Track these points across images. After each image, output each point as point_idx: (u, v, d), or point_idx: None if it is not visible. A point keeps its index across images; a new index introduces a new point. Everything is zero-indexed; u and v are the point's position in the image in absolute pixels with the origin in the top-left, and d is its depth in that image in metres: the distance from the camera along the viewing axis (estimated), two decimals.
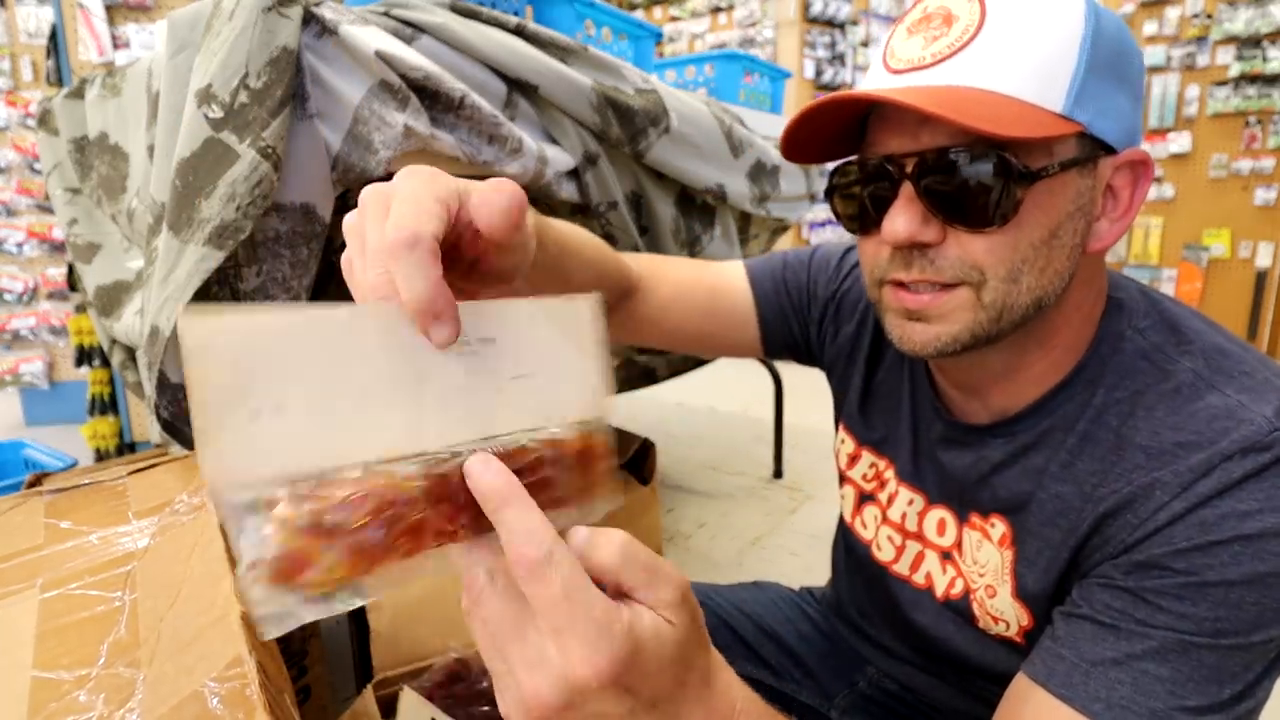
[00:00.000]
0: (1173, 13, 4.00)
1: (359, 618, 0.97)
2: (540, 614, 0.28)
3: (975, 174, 0.44)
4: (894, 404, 0.65)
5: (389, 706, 0.72)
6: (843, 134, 0.52)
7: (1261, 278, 3.88)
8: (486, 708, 0.79)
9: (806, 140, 0.51)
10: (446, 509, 0.29)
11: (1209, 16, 3.89)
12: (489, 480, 0.29)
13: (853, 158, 0.51)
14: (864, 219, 0.51)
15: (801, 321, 0.73)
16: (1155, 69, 4.10)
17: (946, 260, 0.47)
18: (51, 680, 0.41)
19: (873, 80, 0.49)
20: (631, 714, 0.29)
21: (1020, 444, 0.53)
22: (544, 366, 0.33)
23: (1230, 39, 3.84)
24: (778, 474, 2.34)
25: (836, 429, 0.72)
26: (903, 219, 0.46)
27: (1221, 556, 0.42)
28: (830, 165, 0.54)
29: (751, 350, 0.75)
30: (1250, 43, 3.78)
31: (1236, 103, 3.84)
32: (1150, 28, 4.09)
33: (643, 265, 0.71)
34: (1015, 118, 0.42)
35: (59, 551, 0.55)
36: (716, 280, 0.74)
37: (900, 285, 0.49)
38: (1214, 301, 4.04)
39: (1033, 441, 0.52)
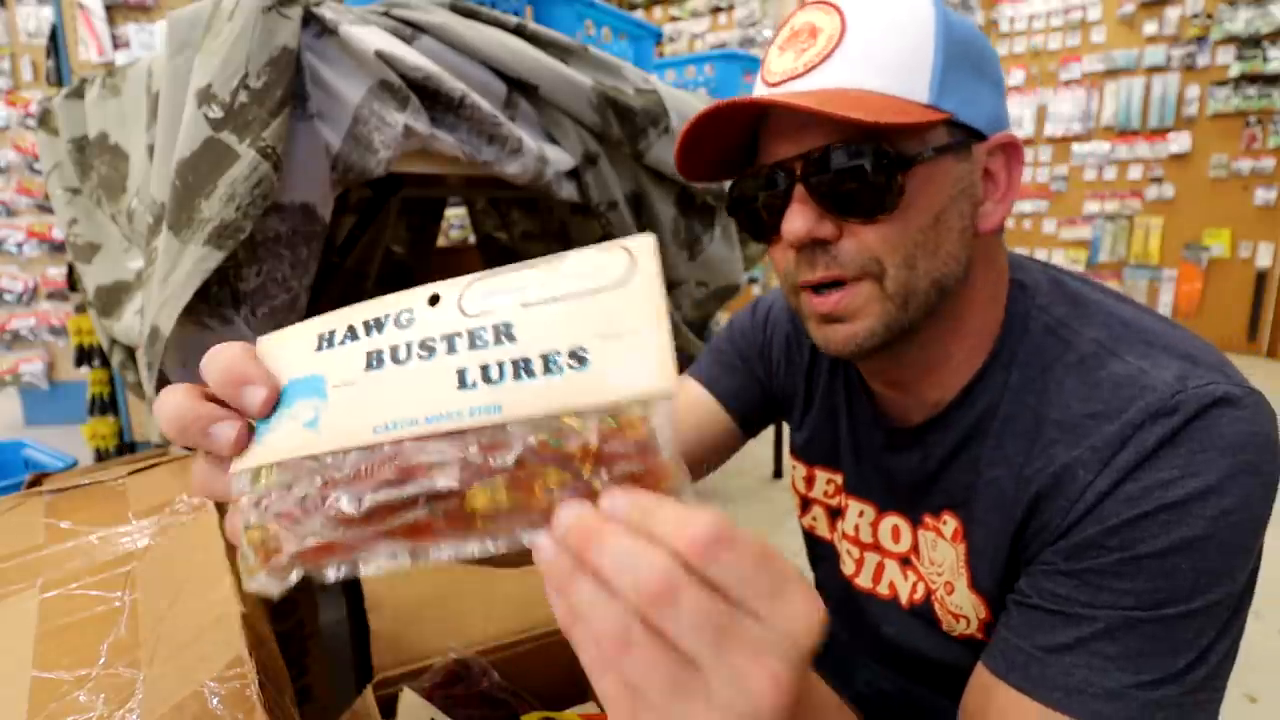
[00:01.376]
0: (1173, 13, 4.01)
1: (359, 618, 0.97)
2: (744, 588, 0.24)
3: (856, 166, 0.47)
4: (832, 423, 0.66)
5: (389, 706, 0.72)
6: (738, 150, 0.54)
7: (1261, 278, 3.88)
8: (486, 709, 0.79)
9: (706, 156, 0.53)
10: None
11: (1209, 16, 3.89)
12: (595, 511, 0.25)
13: (747, 169, 0.53)
14: (767, 226, 0.53)
15: (759, 381, 0.73)
16: (1155, 69, 4.11)
17: (846, 254, 0.49)
18: (51, 680, 0.41)
19: (755, 96, 0.52)
20: None
21: (958, 435, 0.54)
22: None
23: (1230, 39, 3.84)
24: (778, 474, 2.34)
25: (788, 462, 0.73)
26: (799, 219, 0.49)
27: (1150, 528, 0.43)
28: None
29: (738, 440, 0.74)
30: (1250, 43, 3.78)
31: (1236, 103, 3.84)
32: (1150, 28, 4.10)
33: None
34: (883, 108, 0.45)
35: (59, 551, 0.55)
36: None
37: (811, 290, 0.51)
38: (1214, 301, 4.04)
39: (969, 431, 0.54)
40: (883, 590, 0.62)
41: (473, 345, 0.27)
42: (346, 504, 0.27)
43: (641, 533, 0.24)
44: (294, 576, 0.28)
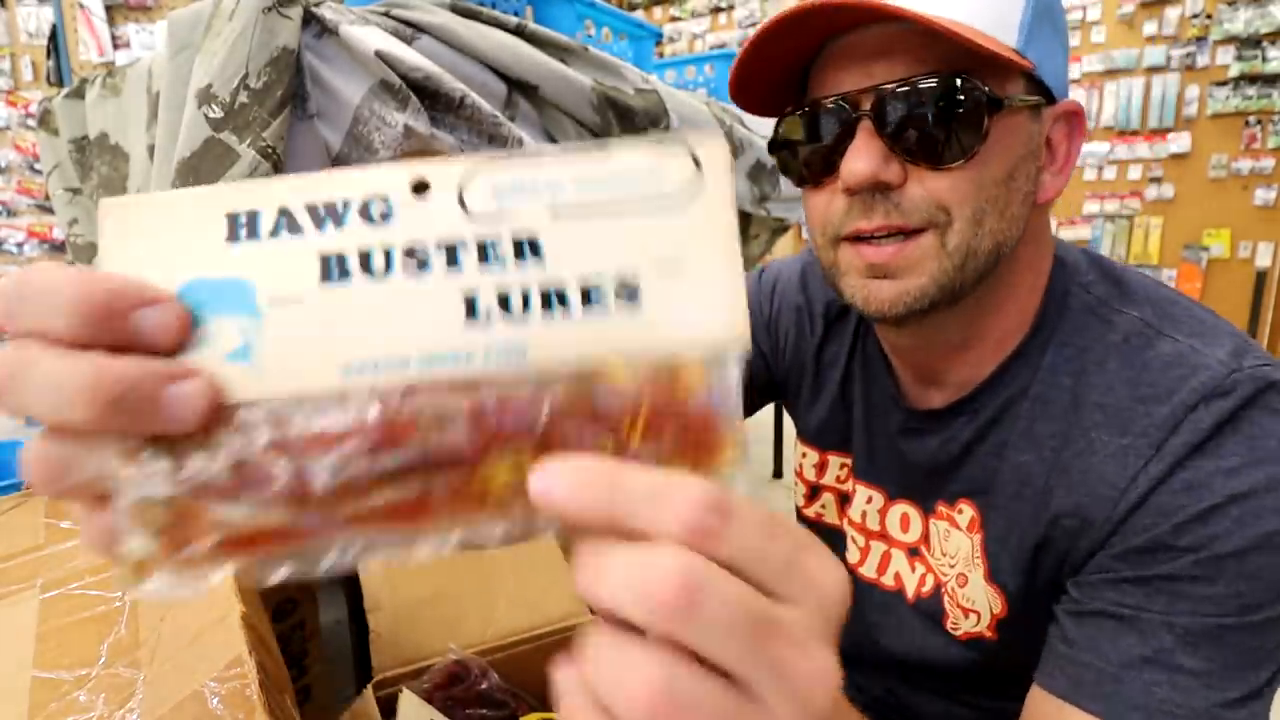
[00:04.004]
0: (1173, 13, 4.00)
1: (359, 618, 0.97)
2: (761, 565, 0.19)
3: (941, 103, 0.42)
4: (845, 404, 0.63)
5: (389, 707, 0.72)
6: (786, 82, 0.49)
7: (1261, 278, 3.88)
8: (485, 710, 0.79)
9: (755, 80, 0.48)
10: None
11: (1209, 16, 3.89)
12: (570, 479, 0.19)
13: (804, 101, 0.48)
14: (817, 167, 0.47)
15: (762, 355, 0.69)
16: (1155, 69, 4.10)
17: (911, 202, 0.44)
18: (51, 680, 0.41)
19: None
20: None
21: (985, 420, 0.51)
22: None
23: (1230, 39, 3.84)
24: (777, 474, 2.34)
25: (796, 448, 0.69)
26: (863, 159, 0.43)
27: (1223, 523, 0.40)
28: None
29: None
30: (1250, 43, 3.78)
31: (1236, 103, 3.84)
32: (1150, 28, 4.09)
33: None
34: (981, 38, 0.41)
35: (59, 551, 0.55)
36: None
37: (860, 240, 0.46)
38: (1213, 302, 4.04)
39: (996, 415, 0.51)
40: (888, 581, 0.60)
41: (484, 260, 0.20)
42: (310, 475, 0.19)
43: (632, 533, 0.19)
44: (216, 575, 0.20)
